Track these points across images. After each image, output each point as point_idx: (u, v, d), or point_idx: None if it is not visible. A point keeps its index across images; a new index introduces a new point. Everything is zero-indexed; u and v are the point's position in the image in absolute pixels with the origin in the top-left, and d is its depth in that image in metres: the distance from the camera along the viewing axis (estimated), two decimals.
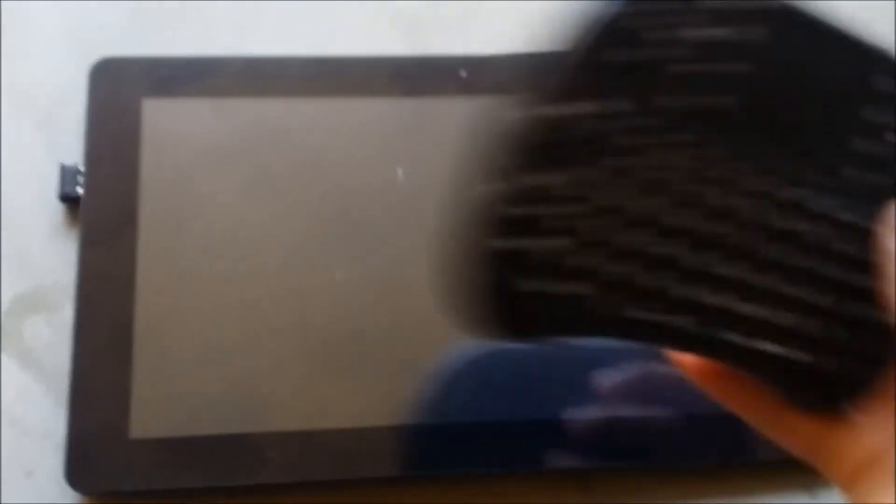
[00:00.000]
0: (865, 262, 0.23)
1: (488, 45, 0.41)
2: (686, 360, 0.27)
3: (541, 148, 0.22)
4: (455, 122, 0.39)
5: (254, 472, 0.34)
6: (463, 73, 0.40)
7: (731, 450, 0.36)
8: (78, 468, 0.33)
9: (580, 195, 0.22)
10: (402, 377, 0.35)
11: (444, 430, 0.35)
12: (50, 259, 0.37)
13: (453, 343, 0.36)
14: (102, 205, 0.36)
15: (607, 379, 0.35)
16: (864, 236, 0.23)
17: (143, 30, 0.41)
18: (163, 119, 0.38)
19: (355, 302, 0.36)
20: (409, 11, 0.43)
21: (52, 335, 0.36)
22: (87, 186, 0.37)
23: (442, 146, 0.39)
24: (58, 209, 0.38)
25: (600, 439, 0.35)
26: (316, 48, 0.41)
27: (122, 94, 0.38)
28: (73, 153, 0.38)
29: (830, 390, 0.24)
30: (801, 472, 0.35)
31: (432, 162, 0.39)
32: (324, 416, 0.35)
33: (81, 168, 0.37)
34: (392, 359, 0.36)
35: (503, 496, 0.35)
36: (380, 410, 0.35)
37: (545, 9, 0.42)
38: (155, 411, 0.34)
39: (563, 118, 0.22)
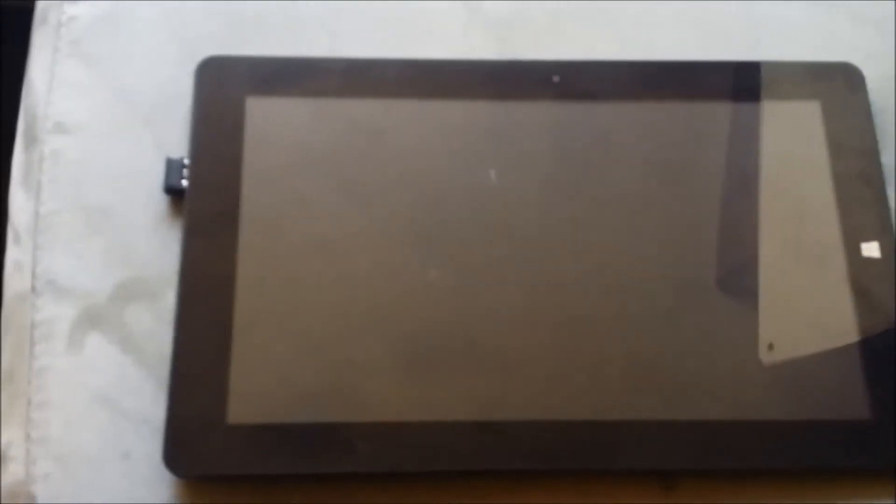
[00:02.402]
0: None
1: (580, 51, 0.42)
2: None
3: None
4: (547, 126, 0.40)
5: (344, 461, 0.34)
6: (555, 78, 0.40)
7: (815, 456, 0.35)
8: (176, 452, 0.34)
9: None
10: (490, 373, 0.36)
11: (527, 426, 0.35)
12: (153, 249, 0.38)
13: (539, 341, 0.36)
14: (206, 198, 0.38)
15: None
16: None
17: (243, 31, 0.42)
18: (265, 117, 0.39)
19: (446, 300, 0.37)
20: (502, 16, 0.43)
21: (153, 322, 0.37)
22: (191, 179, 0.38)
23: (534, 150, 0.40)
24: (162, 201, 0.39)
25: (683, 441, 0.35)
26: (408, 52, 0.42)
27: (226, 91, 0.39)
28: (179, 148, 0.39)
29: None
30: (886, 481, 0.36)
31: (524, 165, 0.39)
32: (413, 408, 0.35)
33: (186, 162, 0.38)
34: (480, 355, 0.36)
35: (586, 495, 0.35)
36: (466, 405, 0.35)
37: (633, 16, 0.43)
38: (251, 398, 0.35)
39: None
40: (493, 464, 0.35)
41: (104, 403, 0.36)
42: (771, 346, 0.37)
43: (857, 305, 0.37)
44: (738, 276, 0.38)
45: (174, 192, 0.38)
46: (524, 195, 0.39)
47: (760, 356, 0.36)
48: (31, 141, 0.40)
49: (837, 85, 0.41)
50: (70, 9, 0.43)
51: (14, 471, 0.35)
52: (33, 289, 0.38)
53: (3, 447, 0.36)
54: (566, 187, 0.39)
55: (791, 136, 0.40)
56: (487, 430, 0.35)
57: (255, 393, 0.35)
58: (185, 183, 0.38)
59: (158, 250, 0.38)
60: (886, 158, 0.41)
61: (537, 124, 0.40)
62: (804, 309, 0.37)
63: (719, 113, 0.40)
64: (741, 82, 0.41)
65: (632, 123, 0.40)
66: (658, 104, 0.40)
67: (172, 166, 0.38)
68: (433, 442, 0.35)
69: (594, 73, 0.41)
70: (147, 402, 0.36)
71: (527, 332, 0.36)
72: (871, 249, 0.38)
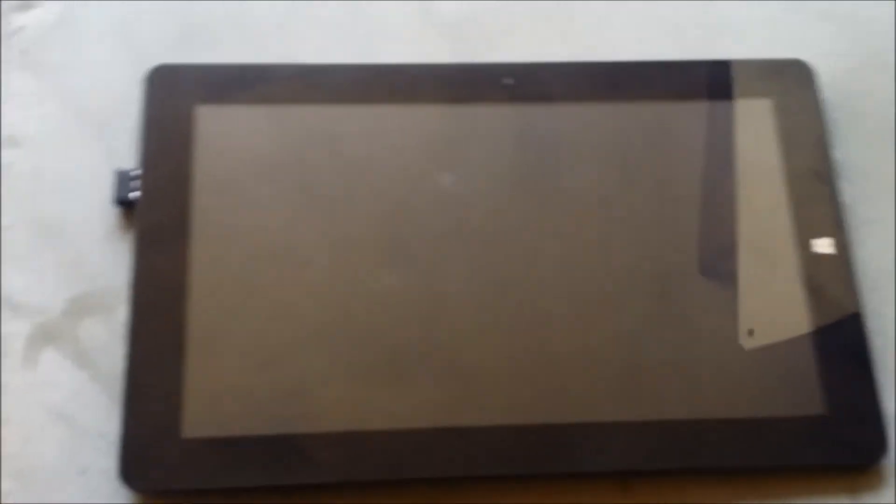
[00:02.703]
0: None
1: (533, 53, 0.42)
2: None
3: None
4: (502, 129, 0.40)
5: (302, 472, 0.34)
6: (508, 81, 0.40)
7: (771, 453, 0.36)
8: (131, 466, 0.34)
9: None
10: (447, 380, 0.36)
11: (485, 431, 0.35)
12: (105, 262, 0.38)
13: (498, 346, 0.36)
14: (156, 209, 0.37)
15: None
16: None
17: (195, 38, 0.42)
18: (216, 125, 0.39)
19: (402, 306, 0.37)
20: (455, 19, 0.43)
21: (108, 336, 0.37)
22: (141, 191, 0.38)
23: (487, 153, 0.39)
24: (113, 213, 0.39)
25: (640, 441, 0.35)
26: (363, 56, 0.42)
27: (175, 100, 0.39)
28: (129, 159, 0.39)
29: None
30: (841, 477, 0.36)
31: (480, 169, 0.39)
32: (371, 417, 0.35)
33: (136, 173, 0.38)
34: (438, 362, 0.36)
35: (544, 497, 0.36)
36: (425, 412, 0.35)
37: (588, 18, 0.43)
38: (207, 411, 0.35)
39: None
40: (452, 471, 0.35)
41: (61, 419, 0.36)
42: (724, 345, 0.37)
43: (811, 302, 0.37)
44: (690, 276, 0.38)
45: (125, 204, 0.38)
46: (481, 199, 0.39)
47: (714, 355, 0.37)
48: None
49: (789, 82, 0.41)
50: (19, 18, 0.42)
51: None
52: None
53: None
54: (522, 190, 0.39)
55: (743, 133, 0.40)
56: (446, 436, 0.35)
57: (211, 405, 0.35)
58: (134, 195, 0.38)
59: (111, 263, 0.38)
60: (840, 154, 0.41)
61: (492, 127, 0.40)
62: (757, 306, 0.37)
63: (672, 112, 0.40)
64: (694, 81, 0.41)
65: (585, 124, 0.40)
66: (612, 105, 0.40)
67: (122, 178, 0.38)
68: (391, 450, 0.35)
69: (548, 74, 0.41)
70: (103, 416, 0.36)
71: (484, 337, 0.36)
72: (823, 246, 0.38)
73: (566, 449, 0.35)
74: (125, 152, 0.39)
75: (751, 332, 0.37)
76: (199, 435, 0.34)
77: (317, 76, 0.40)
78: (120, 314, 0.37)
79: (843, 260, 0.38)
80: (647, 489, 0.36)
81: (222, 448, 0.34)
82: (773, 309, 0.37)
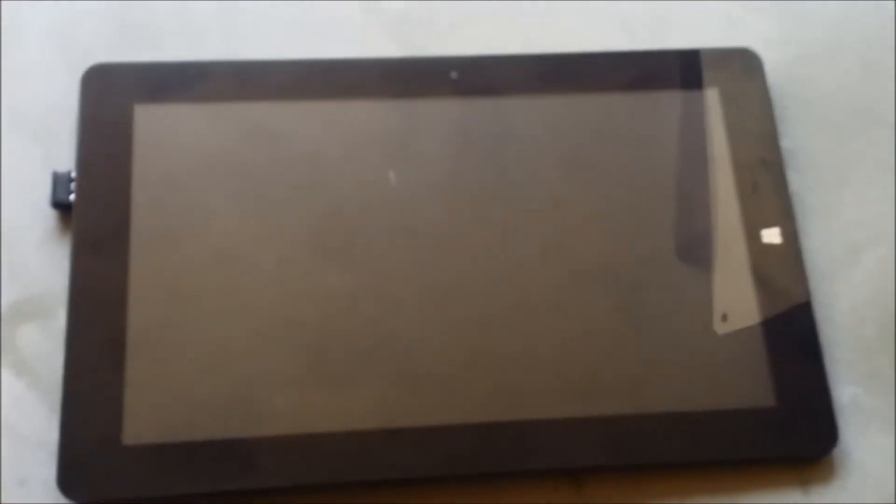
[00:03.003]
0: None
1: (479, 46, 0.41)
2: None
3: None
4: (446, 123, 0.39)
5: (248, 477, 0.34)
6: (454, 75, 0.40)
7: (723, 446, 0.35)
8: (70, 476, 0.33)
9: None
10: (394, 380, 0.35)
11: (436, 432, 0.35)
12: (43, 266, 0.37)
13: (443, 346, 0.36)
14: (94, 211, 0.36)
15: None
16: None
17: (134, 36, 0.41)
18: (155, 125, 0.38)
19: (348, 307, 0.36)
20: (399, 13, 0.42)
21: (46, 343, 0.36)
22: (78, 193, 0.37)
23: (434, 149, 0.39)
24: (51, 216, 0.38)
25: (591, 438, 0.35)
26: (306, 52, 0.41)
27: (113, 100, 0.38)
28: (68, 160, 0.38)
29: None
30: (793, 469, 0.36)
31: (425, 164, 0.38)
32: (316, 420, 0.35)
33: (74, 174, 0.37)
34: (384, 362, 0.35)
35: (496, 497, 0.35)
36: (372, 414, 0.35)
37: (535, 10, 0.42)
38: (148, 418, 0.34)
39: None
40: (401, 473, 0.34)
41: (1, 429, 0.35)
42: (673, 338, 0.36)
43: (760, 292, 0.37)
44: (638, 270, 0.37)
45: (62, 207, 0.37)
46: (429, 196, 0.38)
47: (663, 348, 0.36)
48: None
49: (736, 71, 0.41)
50: None
51: None
52: None
53: None
54: (471, 186, 0.38)
55: (691, 123, 0.40)
56: (394, 438, 0.34)
57: (152, 412, 0.34)
58: (72, 197, 0.37)
59: (49, 268, 0.37)
60: (787, 143, 0.41)
61: (439, 122, 0.39)
62: (706, 298, 0.37)
63: (619, 103, 0.40)
64: (641, 72, 0.40)
65: (534, 118, 0.40)
66: (560, 97, 0.40)
67: (59, 180, 0.37)
68: (339, 453, 0.34)
69: (493, 67, 0.40)
70: (43, 425, 0.35)
71: (433, 336, 0.36)
72: (771, 235, 0.38)
73: (517, 447, 0.35)
74: (64, 154, 0.38)
75: (700, 325, 0.37)
76: (141, 442, 0.34)
77: (259, 73, 0.39)
78: (59, 319, 0.36)
79: (792, 250, 0.38)
80: (600, 486, 0.35)
81: (165, 455, 0.34)
82: (722, 300, 0.37)
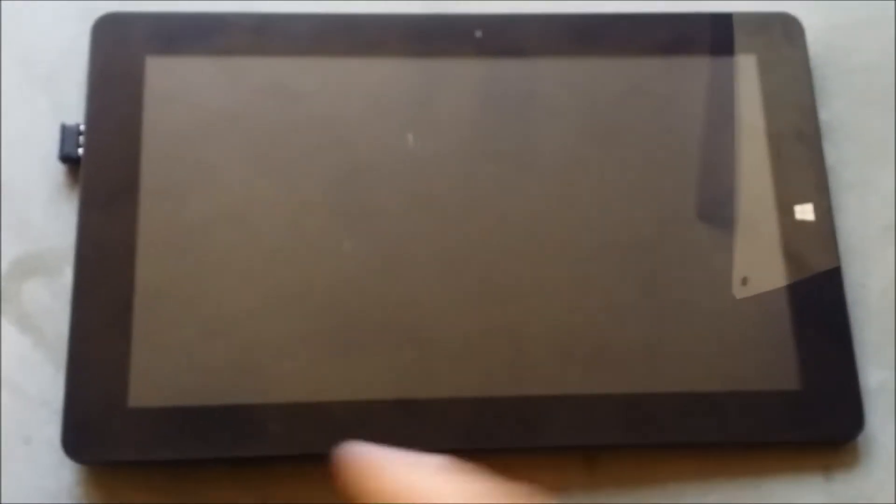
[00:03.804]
0: None
1: (505, 4, 0.40)
2: None
3: None
4: (469, 84, 0.38)
5: (254, 444, 0.33)
6: (478, 34, 0.38)
7: (744, 428, 0.34)
8: (75, 437, 0.33)
9: None
10: (407, 350, 0.34)
11: (447, 404, 0.34)
12: (50, 221, 0.36)
13: (459, 317, 0.35)
14: (103, 166, 0.35)
15: None
16: None
17: None
18: (166, 78, 0.36)
19: (361, 272, 0.35)
20: None
21: (52, 300, 0.35)
22: (87, 147, 0.36)
23: (455, 110, 0.37)
24: (58, 170, 0.37)
25: (606, 415, 0.34)
26: (326, 5, 0.39)
27: (124, 51, 0.37)
28: (76, 113, 0.37)
29: None
30: (815, 453, 0.35)
31: (444, 127, 0.37)
32: (326, 388, 0.34)
33: (83, 128, 0.36)
34: (397, 331, 0.34)
35: (506, 472, 0.34)
36: (383, 384, 0.34)
37: None
38: (154, 380, 0.33)
39: None
40: (411, 444, 0.33)
41: (5, 386, 0.35)
42: (697, 315, 0.35)
43: (789, 270, 0.36)
44: (663, 245, 0.36)
45: (70, 161, 0.36)
46: (448, 159, 0.37)
47: (686, 326, 0.35)
48: None
49: (775, 37, 0.39)
50: None
51: None
52: None
53: None
54: (490, 150, 0.37)
55: (726, 91, 0.38)
56: (404, 409, 0.34)
57: (158, 374, 0.33)
58: (81, 151, 0.36)
59: (55, 223, 0.36)
60: (825, 115, 0.39)
61: (460, 83, 0.38)
62: (733, 276, 0.36)
63: (650, 68, 0.38)
64: (674, 35, 0.39)
65: (560, 80, 0.38)
66: (587, 60, 0.38)
67: (68, 133, 0.36)
68: (347, 422, 0.33)
69: (520, 27, 0.39)
70: (48, 384, 0.34)
71: (447, 306, 0.35)
72: (804, 212, 0.36)
73: (529, 422, 0.34)
74: (72, 106, 0.37)
75: (725, 302, 0.35)
76: (146, 405, 0.33)
77: (275, 26, 0.38)
78: (65, 277, 0.35)
79: (825, 227, 0.36)
80: (614, 465, 0.34)
81: (170, 419, 0.33)
82: (749, 276, 0.36)
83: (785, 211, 0.36)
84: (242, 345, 0.34)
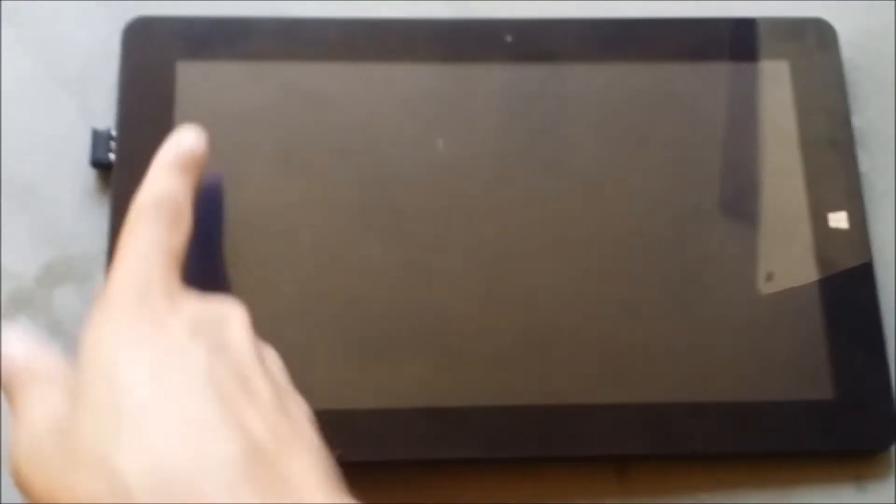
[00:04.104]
0: None
1: (535, 9, 0.40)
2: None
3: None
4: (499, 89, 0.38)
5: None
6: (508, 38, 0.38)
7: (776, 438, 0.34)
8: None
9: None
10: (436, 358, 0.34)
11: (478, 413, 0.34)
12: (81, 227, 0.36)
13: (494, 326, 0.34)
14: (134, 171, 0.35)
15: None
16: None
17: None
18: (198, 82, 0.36)
19: (391, 279, 0.35)
20: None
21: (83, 305, 0.35)
22: (118, 152, 0.36)
23: (485, 116, 0.37)
24: (89, 175, 0.37)
25: (638, 425, 0.34)
26: (356, 10, 0.39)
27: (155, 55, 0.37)
28: (107, 117, 0.37)
29: None
30: (848, 465, 0.34)
31: (474, 132, 0.37)
32: (356, 396, 0.34)
33: (113, 133, 0.36)
34: (425, 338, 0.34)
35: (536, 481, 0.34)
36: (414, 392, 0.34)
37: None
38: None
39: None
40: (443, 453, 0.34)
41: None
42: (730, 325, 0.35)
43: (822, 279, 0.35)
44: (696, 253, 0.36)
45: (101, 166, 0.36)
46: (478, 165, 0.37)
47: (719, 335, 0.35)
48: None
49: (808, 42, 0.38)
50: None
51: None
52: None
53: None
54: (521, 155, 0.37)
55: (758, 97, 0.38)
56: (436, 417, 0.33)
57: None
58: (112, 156, 0.36)
59: (86, 228, 0.36)
60: (858, 121, 0.38)
61: (491, 88, 0.38)
62: (766, 285, 0.35)
63: (683, 73, 0.38)
64: (707, 40, 0.38)
65: (591, 86, 0.38)
66: (617, 65, 0.38)
67: (99, 138, 0.36)
68: (378, 430, 0.33)
69: (551, 31, 0.38)
70: None
71: (478, 313, 0.35)
72: (838, 220, 0.36)
73: (561, 432, 0.34)
74: (103, 110, 0.37)
75: (757, 311, 0.35)
76: None
77: (306, 31, 0.38)
78: (96, 282, 0.35)
79: (858, 235, 0.36)
80: (645, 476, 0.34)
81: None
82: (782, 286, 0.35)
83: (818, 218, 0.36)
84: (276, 351, 0.34)
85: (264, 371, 0.27)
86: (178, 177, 0.31)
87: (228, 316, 0.28)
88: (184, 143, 0.32)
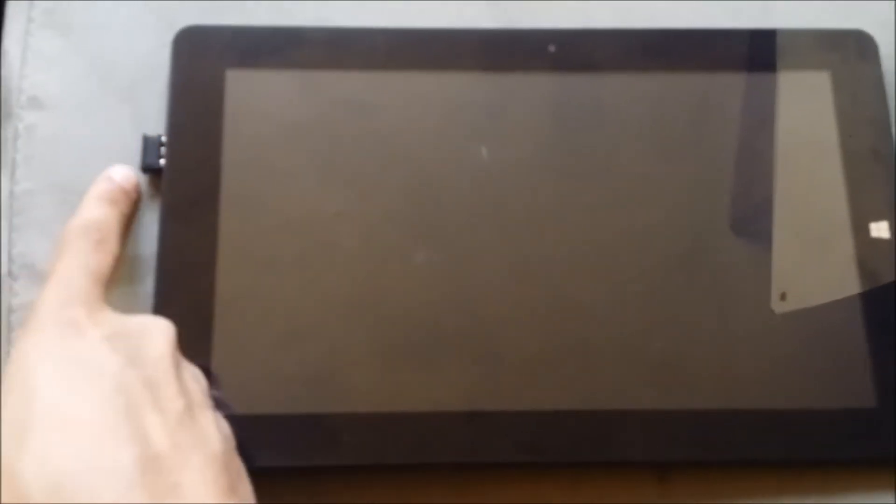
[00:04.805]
0: None
1: (578, 19, 0.40)
2: None
3: None
4: (542, 98, 0.38)
5: (328, 453, 0.33)
6: (552, 48, 0.38)
7: (817, 446, 0.34)
8: None
9: None
10: (478, 363, 0.35)
11: (519, 417, 0.34)
12: (131, 231, 0.37)
13: (530, 330, 0.35)
14: (184, 177, 0.36)
15: None
16: None
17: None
18: (246, 90, 0.37)
19: (434, 284, 0.35)
20: None
21: (132, 307, 0.36)
22: (169, 158, 0.36)
23: (527, 124, 0.38)
24: (141, 180, 0.37)
25: (679, 431, 0.34)
26: (399, 20, 0.40)
27: (205, 64, 0.37)
28: (157, 124, 0.37)
29: None
30: (888, 472, 0.34)
31: (519, 140, 0.37)
32: (400, 399, 0.34)
33: (164, 139, 0.37)
34: (468, 343, 0.35)
35: (576, 487, 0.34)
36: (455, 395, 0.34)
37: None
38: (233, 388, 0.34)
39: None
40: (483, 456, 0.34)
41: None
42: (771, 332, 0.35)
43: (865, 288, 0.36)
44: (738, 261, 0.36)
45: (152, 171, 0.37)
46: (519, 172, 0.37)
47: (759, 343, 0.35)
48: (6, 116, 0.39)
49: (849, 54, 0.39)
50: None
51: None
52: (10, 272, 0.37)
53: None
54: (563, 164, 0.37)
55: (799, 108, 0.38)
56: (477, 421, 0.34)
57: (237, 382, 0.34)
58: (162, 162, 0.36)
59: (137, 232, 0.37)
60: None
61: (534, 97, 0.38)
62: (808, 293, 0.36)
63: (723, 84, 0.38)
64: (747, 51, 0.39)
65: (632, 95, 0.38)
66: (660, 75, 0.38)
67: (150, 144, 0.37)
68: (421, 434, 0.34)
69: (593, 41, 0.39)
70: None
71: (519, 318, 0.35)
72: (880, 229, 0.36)
73: (601, 437, 0.34)
74: (153, 117, 0.38)
75: (799, 319, 0.35)
76: (226, 413, 0.33)
77: (351, 40, 0.38)
78: (146, 285, 0.36)
79: None
80: (685, 482, 0.35)
81: (248, 426, 0.33)
82: (824, 295, 0.36)
83: (860, 228, 0.36)
84: (320, 354, 0.34)
85: (179, 384, 0.29)
86: (106, 207, 0.34)
87: (150, 330, 0.30)
88: (114, 177, 0.35)
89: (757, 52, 0.39)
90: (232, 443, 0.30)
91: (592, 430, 0.34)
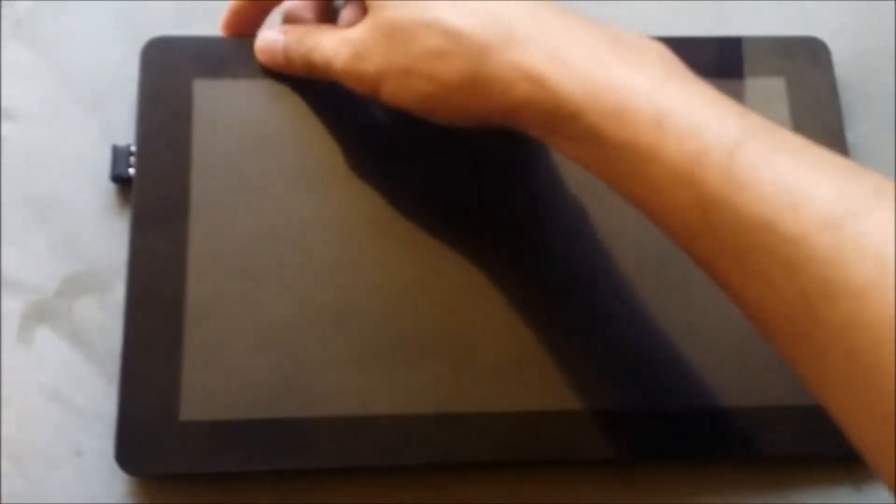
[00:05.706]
0: None
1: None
2: None
3: None
4: None
5: (301, 457, 0.34)
6: None
7: (776, 443, 0.35)
8: (127, 449, 0.34)
9: None
10: (448, 365, 0.35)
11: (489, 418, 0.35)
12: (101, 240, 0.37)
13: (499, 333, 0.36)
14: (154, 186, 0.36)
15: None
16: None
17: (193, 9, 0.41)
18: (214, 100, 0.38)
19: (403, 289, 0.36)
20: None
21: (104, 316, 0.36)
22: (138, 167, 0.37)
23: (489, 131, 0.38)
24: (109, 190, 0.38)
25: (645, 430, 0.35)
26: None
27: (173, 74, 0.38)
28: (126, 134, 0.38)
29: None
30: (847, 467, 0.35)
31: (489, 145, 0.38)
32: (370, 402, 0.35)
33: (133, 149, 0.37)
34: (439, 346, 0.35)
35: (547, 485, 0.35)
36: (425, 398, 0.35)
37: None
38: (205, 394, 0.34)
39: None
40: (452, 457, 0.34)
41: (55, 399, 0.35)
42: (732, 332, 0.36)
43: None
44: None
45: (121, 181, 0.37)
46: (489, 176, 0.38)
47: (723, 341, 0.36)
48: None
49: (803, 60, 0.40)
50: None
51: None
52: None
53: None
54: (531, 166, 0.38)
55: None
56: (446, 422, 0.34)
57: (209, 389, 0.34)
58: (132, 171, 0.37)
59: (107, 241, 0.37)
60: (853, 136, 0.40)
61: None
62: None
63: None
64: (705, 58, 0.40)
65: None
66: None
67: (119, 154, 0.37)
68: (391, 436, 0.34)
69: None
70: (99, 397, 0.35)
71: (486, 321, 0.36)
72: None
73: (569, 437, 0.35)
74: (122, 127, 0.38)
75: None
76: (197, 418, 0.34)
77: None
78: (116, 294, 0.36)
79: None
80: (652, 480, 0.35)
81: (220, 432, 0.34)
82: None
83: None
84: (291, 359, 0.35)
85: None
86: None
87: None
88: None
89: (714, 58, 0.40)
90: None
91: (561, 429, 0.35)
